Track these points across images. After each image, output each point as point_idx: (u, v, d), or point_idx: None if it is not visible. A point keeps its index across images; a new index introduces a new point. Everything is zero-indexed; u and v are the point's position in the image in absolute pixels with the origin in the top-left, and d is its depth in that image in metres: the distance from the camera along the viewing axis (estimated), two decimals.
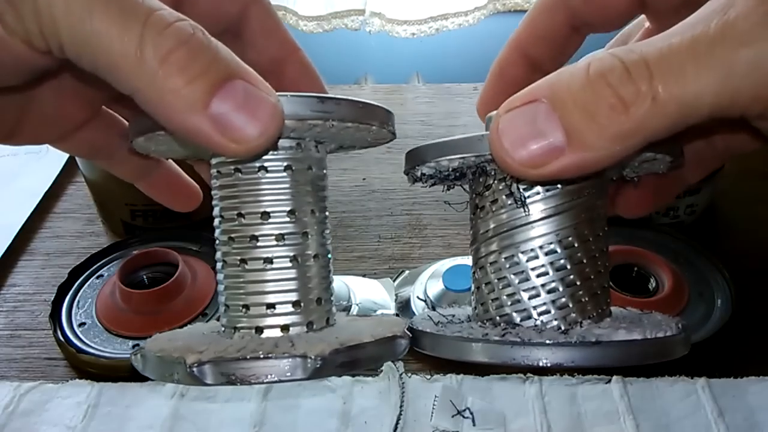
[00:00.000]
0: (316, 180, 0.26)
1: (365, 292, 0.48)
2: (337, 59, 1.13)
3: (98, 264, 0.51)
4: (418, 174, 0.27)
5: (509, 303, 0.25)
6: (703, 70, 0.19)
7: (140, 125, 0.24)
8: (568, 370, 0.23)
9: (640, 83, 0.20)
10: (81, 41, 0.20)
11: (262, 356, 0.22)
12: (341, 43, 1.10)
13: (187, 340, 0.25)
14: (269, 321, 0.24)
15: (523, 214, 0.25)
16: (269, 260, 0.24)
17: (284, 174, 0.24)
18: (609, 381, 0.42)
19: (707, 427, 0.39)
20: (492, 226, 0.26)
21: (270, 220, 0.24)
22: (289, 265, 0.24)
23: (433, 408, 0.40)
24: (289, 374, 0.22)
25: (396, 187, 0.62)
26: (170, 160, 0.34)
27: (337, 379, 0.42)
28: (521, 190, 0.25)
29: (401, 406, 0.40)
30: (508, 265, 0.25)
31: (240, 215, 0.24)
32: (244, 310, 0.24)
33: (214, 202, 0.26)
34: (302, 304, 0.25)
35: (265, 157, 0.24)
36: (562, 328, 0.24)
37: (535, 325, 0.24)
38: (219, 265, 0.25)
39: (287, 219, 0.24)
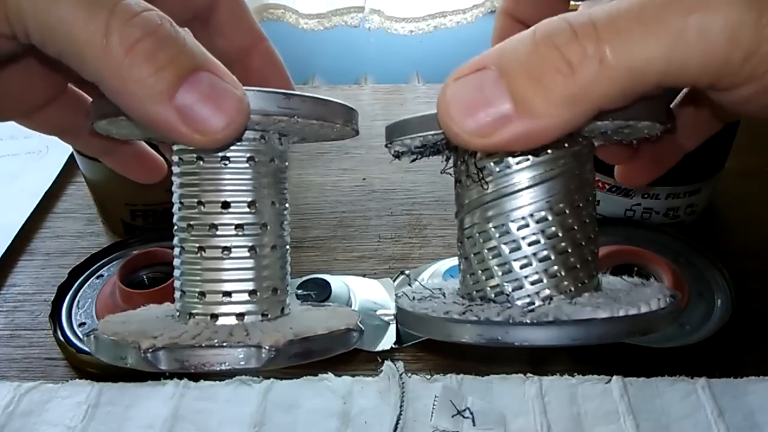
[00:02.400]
0: (278, 172, 0.26)
1: (365, 292, 0.48)
2: (337, 58, 1.13)
3: (98, 264, 0.51)
4: (393, 151, 0.27)
5: (485, 277, 0.25)
6: (652, 34, 0.19)
7: (102, 108, 0.24)
8: (531, 348, 0.23)
9: (587, 45, 0.19)
10: (46, 28, 0.20)
11: (216, 344, 0.22)
12: (341, 43, 1.10)
13: (141, 324, 0.25)
14: (224, 309, 0.24)
15: (487, 190, 0.24)
16: (227, 249, 0.24)
17: (246, 165, 0.25)
18: (609, 381, 0.42)
19: (707, 427, 0.39)
20: (466, 201, 0.25)
21: (230, 210, 0.24)
22: (247, 254, 0.25)
23: (433, 408, 0.40)
24: (243, 363, 0.22)
25: (396, 187, 0.62)
26: None
27: (337, 379, 0.42)
28: (482, 164, 0.24)
29: (401, 406, 0.40)
30: (483, 239, 0.25)
31: (200, 203, 0.25)
32: (200, 296, 0.25)
33: (173, 188, 0.26)
34: (258, 294, 0.25)
35: (229, 148, 0.24)
36: (535, 303, 0.23)
37: (507, 300, 0.24)
38: (176, 251, 0.26)
39: (247, 210, 0.25)
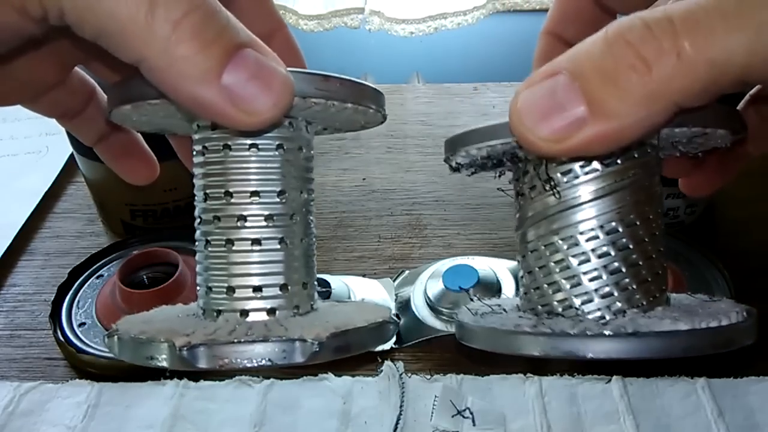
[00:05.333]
0: (306, 161, 0.25)
1: (365, 292, 0.48)
2: (337, 59, 1.13)
3: (98, 264, 0.51)
4: (454, 164, 0.26)
5: (552, 291, 0.24)
6: (733, 26, 0.18)
7: (126, 93, 0.23)
8: (612, 361, 0.22)
9: (663, 40, 0.18)
10: (84, 6, 0.19)
11: (257, 339, 0.21)
12: (341, 43, 1.10)
13: (167, 323, 0.24)
14: (255, 304, 0.24)
15: (559, 200, 0.23)
16: (257, 241, 0.24)
17: (276, 153, 0.24)
18: (609, 381, 0.42)
19: (707, 427, 0.39)
20: (530, 213, 0.25)
21: (259, 200, 0.24)
22: (278, 246, 0.24)
23: (433, 408, 0.40)
24: (285, 358, 0.21)
25: (396, 187, 0.62)
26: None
27: (337, 379, 0.42)
28: (550, 174, 0.23)
29: (401, 406, 0.40)
30: (549, 252, 0.24)
31: (228, 194, 0.24)
32: (228, 292, 0.24)
33: (196, 180, 0.25)
34: (289, 288, 0.24)
35: (256, 135, 0.23)
36: (606, 318, 0.23)
37: (577, 314, 0.23)
38: (200, 245, 0.25)
39: (277, 199, 0.24)
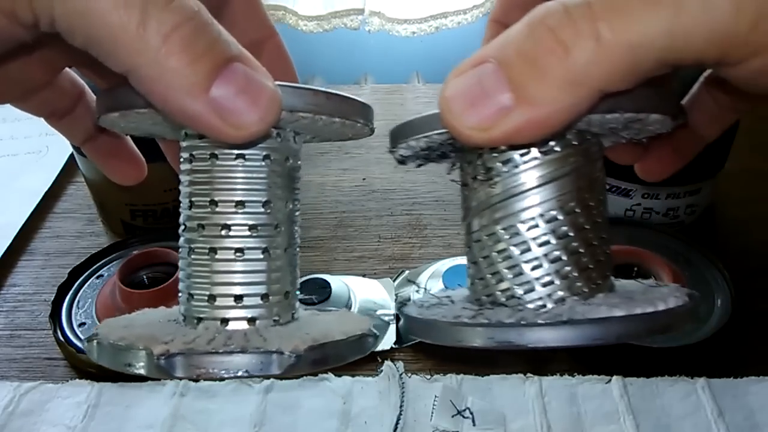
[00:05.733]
0: (292, 172, 0.25)
1: (365, 292, 0.48)
2: (336, 59, 1.13)
3: (98, 264, 0.51)
4: (398, 156, 0.26)
5: (494, 281, 0.24)
6: (651, 7, 0.18)
7: (114, 101, 0.23)
8: (547, 350, 0.22)
9: (581, 24, 0.18)
10: (76, 14, 0.19)
11: (235, 350, 0.21)
12: (341, 43, 1.10)
13: (147, 329, 0.24)
14: (236, 313, 0.24)
15: (499, 189, 0.23)
16: (240, 251, 0.24)
17: (262, 164, 0.24)
18: (609, 381, 0.42)
19: (707, 427, 0.39)
20: (473, 203, 0.25)
21: (244, 210, 0.24)
22: (260, 256, 0.24)
23: (433, 408, 0.40)
24: (262, 370, 0.21)
25: (396, 187, 0.62)
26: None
27: (337, 379, 0.42)
28: (489, 164, 0.23)
29: (401, 406, 0.40)
30: (491, 242, 0.24)
31: (213, 203, 0.24)
32: (209, 300, 0.24)
33: (182, 187, 0.25)
34: (270, 297, 0.24)
35: (244, 145, 0.24)
36: (547, 306, 0.23)
37: (518, 304, 0.23)
38: (183, 251, 0.25)
39: (261, 210, 0.24)
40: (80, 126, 0.31)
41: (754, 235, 0.55)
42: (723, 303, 0.46)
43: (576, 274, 0.23)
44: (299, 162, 0.26)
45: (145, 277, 0.49)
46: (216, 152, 0.24)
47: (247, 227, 0.24)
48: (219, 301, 0.24)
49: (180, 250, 0.25)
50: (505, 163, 0.24)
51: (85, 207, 0.60)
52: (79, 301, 0.48)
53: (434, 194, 0.60)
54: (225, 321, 0.24)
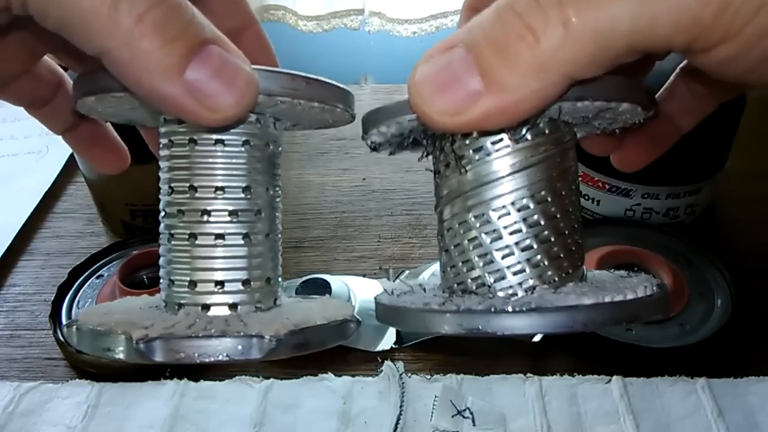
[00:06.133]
0: (273, 157, 0.25)
1: (365, 292, 0.48)
2: (336, 59, 1.13)
3: (98, 264, 0.51)
4: (370, 143, 0.26)
5: (465, 269, 0.24)
6: None
7: (91, 85, 0.23)
8: (513, 338, 0.22)
9: (549, 10, 0.18)
10: None
11: (215, 334, 0.21)
12: (341, 43, 1.10)
13: (127, 315, 0.24)
14: (217, 298, 0.24)
15: (470, 177, 0.23)
16: (221, 236, 0.24)
17: (242, 149, 0.24)
18: (609, 381, 0.42)
19: (707, 427, 0.39)
20: (445, 191, 0.25)
21: (224, 195, 0.24)
22: (241, 242, 0.24)
23: (433, 408, 0.40)
24: (242, 354, 0.21)
25: (396, 187, 0.62)
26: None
27: (337, 379, 0.42)
28: (459, 151, 0.23)
29: (401, 406, 0.40)
30: (462, 230, 0.24)
31: (192, 188, 0.24)
32: (190, 286, 0.24)
33: (161, 173, 0.25)
34: (251, 283, 0.24)
35: (223, 131, 0.24)
36: (517, 294, 0.23)
37: (489, 292, 0.23)
38: (163, 237, 0.25)
39: (241, 195, 0.24)
40: (60, 115, 0.31)
41: (754, 235, 0.55)
42: (723, 303, 0.46)
43: (546, 262, 0.23)
44: (280, 148, 0.26)
45: (145, 277, 0.49)
46: (195, 137, 0.24)
47: (227, 212, 0.24)
48: (200, 287, 0.24)
49: (160, 236, 0.25)
50: (476, 150, 0.23)
51: (85, 207, 0.60)
52: (79, 301, 0.48)
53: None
54: (206, 307, 0.24)
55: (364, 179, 0.63)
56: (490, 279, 0.23)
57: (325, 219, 0.58)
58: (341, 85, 0.25)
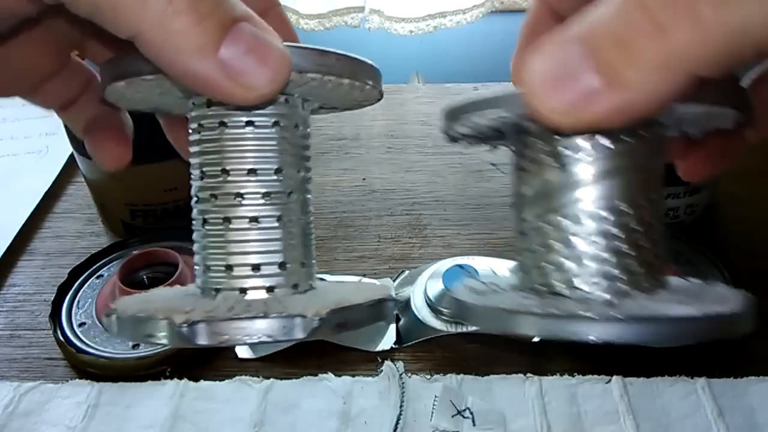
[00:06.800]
0: (302, 139, 0.25)
1: None
2: None
3: (98, 264, 0.51)
4: (455, 133, 0.25)
5: (554, 271, 0.23)
6: None
7: (121, 69, 0.23)
8: (618, 345, 0.21)
9: (680, 3, 0.17)
10: None
11: (258, 315, 0.21)
12: (341, 41, 1.11)
13: (166, 302, 0.24)
14: (254, 282, 0.23)
15: (564, 176, 0.22)
16: (255, 219, 0.23)
17: (272, 130, 0.24)
18: (609, 381, 0.42)
19: (707, 427, 0.39)
20: (531, 189, 0.24)
21: (256, 177, 0.23)
22: (276, 224, 0.24)
23: (433, 408, 0.40)
24: (285, 334, 0.21)
25: (396, 187, 0.62)
26: (126, 114, 0.32)
27: (337, 379, 0.42)
28: (556, 148, 0.22)
29: (401, 406, 0.40)
30: (552, 230, 0.23)
31: (224, 171, 0.24)
32: (226, 270, 0.23)
33: (192, 159, 0.25)
34: (287, 266, 0.24)
35: (253, 112, 0.23)
36: (613, 300, 0.22)
37: (583, 296, 0.22)
38: (197, 223, 0.24)
39: (274, 177, 0.24)
40: (85, 115, 0.31)
41: (754, 235, 0.55)
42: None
43: (640, 268, 0.22)
44: (309, 130, 0.26)
45: (145, 277, 0.49)
46: (225, 120, 0.23)
47: (260, 195, 0.24)
48: (236, 271, 0.23)
49: (193, 222, 0.25)
50: (571, 149, 0.22)
51: (85, 207, 0.60)
52: (79, 301, 0.48)
53: (434, 194, 0.60)
54: (243, 291, 0.23)
55: (364, 179, 0.63)
56: (581, 282, 0.22)
57: (325, 219, 0.58)
58: (370, 62, 0.25)
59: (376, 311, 0.24)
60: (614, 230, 0.22)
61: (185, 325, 0.21)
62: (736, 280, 0.47)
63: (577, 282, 0.23)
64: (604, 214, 0.22)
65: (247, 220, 0.23)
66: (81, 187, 0.62)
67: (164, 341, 0.21)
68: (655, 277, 0.23)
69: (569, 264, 0.23)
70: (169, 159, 0.51)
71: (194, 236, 0.25)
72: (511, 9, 1.22)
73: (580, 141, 0.22)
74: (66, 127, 0.52)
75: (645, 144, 0.23)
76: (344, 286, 0.26)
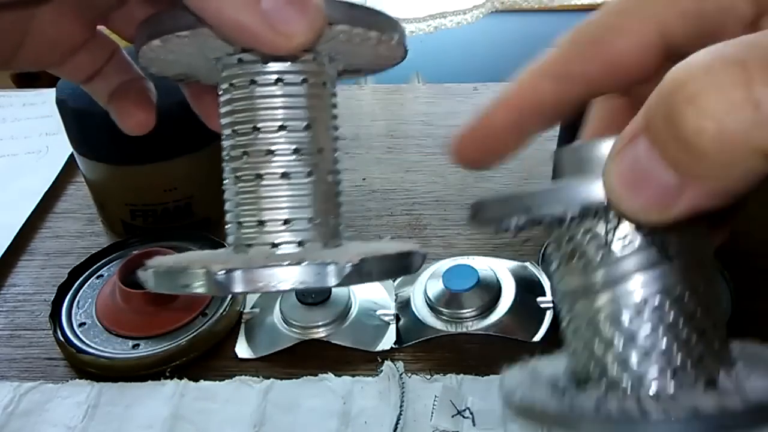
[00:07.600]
0: (330, 98, 0.26)
1: (365, 292, 0.48)
2: None
3: (98, 264, 0.51)
4: (511, 228, 0.23)
5: (618, 365, 0.21)
6: None
7: (158, 26, 0.24)
8: None
9: (732, 91, 0.16)
10: None
11: (292, 263, 0.22)
12: None
13: (200, 257, 0.24)
14: (285, 236, 0.24)
15: (615, 267, 0.21)
16: (286, 174, 0.24)
17: (301, 87, 0.24)
18: None
19: None
20: (571, 285, 0.22)
21: (286, 134, 0.24)
22: (306, 180, 0.24)
23: (433, 408, 0.40)
24: (318, 281, 0.22)
25: (396, 187, 0.62)
26: (149, 81, 0.33)
27: (337, 379, 0.42)
28: (617, 237, 0.21)
29: (401, 406, 0.40)
30: (609, 322, 0.21)
31: (255, 129, 0.24)
32: (258, 225, 0.24)
33: (223, 119, 0.25)
34: (317, 221, 0.25)
35: (282, 69, 0.24)
36: (676, 390, 0.21)
37: (656, 393, 0.21)
38: (229, 181, 0.25)
39: (304, 133, 0.24)
40: (110, 86, 0.32)
41: (754, 235, 0.55)
42: (723, 303, 0.46)
43: (709, 356, 0.21)
44: (335, 90, 0.26)
45: None
46: (255, 78, 0.24)
47: (290, 150, 0.24)
48: (268, 226, 0.24)
49: (225, 180, 0.25)
50: (622, 239, 0.21)
51: (85, 207, 0.60)
52: (79, 301, 0.48)
53: (434, 194, 0.60)
54: (275, 245, 0.24)
55: (364, 179, 0.63)
56: (635, 383, 0.21)
57: None
58: (396, 19, 0.25)
59: (406, 262, 0.24)
60: (676, 318, 0.21)
61: (222, 272, 0.21)
62: (736, 280, 0.47)
63: (632, 383, 0.21)
64: (663, 302, 0.21)
65: (279, 175, 0.24)
66: (81, 187, 0.62)
67: (201, 290, 0.22)
68: (722, 361, 0.22)
69: (632, 358, 0.21)
70: (169, 159, 0.51)
71: (226, 195, 0.25)
72: (511, 9, 1.22)
73: (633, 230, 0.21)
74: (66, 127, 0.52)
75: (688, 232, 0.22)
76: (373, 243, 0.27)
